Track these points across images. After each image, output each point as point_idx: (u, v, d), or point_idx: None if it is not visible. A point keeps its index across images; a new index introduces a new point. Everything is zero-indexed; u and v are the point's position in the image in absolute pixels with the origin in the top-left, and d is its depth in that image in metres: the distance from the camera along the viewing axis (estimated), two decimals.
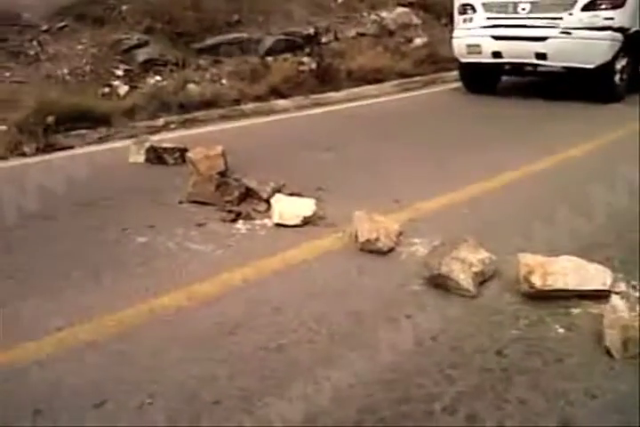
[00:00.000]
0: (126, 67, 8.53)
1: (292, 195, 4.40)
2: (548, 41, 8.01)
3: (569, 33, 7.87)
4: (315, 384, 2.48)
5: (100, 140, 6.63)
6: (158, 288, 3.25)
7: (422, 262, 3.36)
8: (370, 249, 3.62)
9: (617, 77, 8.23)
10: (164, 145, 5.64)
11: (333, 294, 3.18)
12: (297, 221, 4.05)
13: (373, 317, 2.97)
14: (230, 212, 4.30)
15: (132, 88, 8.04)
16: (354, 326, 2.89)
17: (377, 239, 3.62)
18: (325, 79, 9.15)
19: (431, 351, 2.70)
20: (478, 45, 8.52)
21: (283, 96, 8.61)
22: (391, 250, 3.67)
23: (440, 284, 3.17)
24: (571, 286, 3.00)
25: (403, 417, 2.31)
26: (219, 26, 10.06)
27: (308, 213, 4.08)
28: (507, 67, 8.87)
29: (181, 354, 2.69)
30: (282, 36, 10.21)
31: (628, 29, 8.01)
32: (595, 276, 3.04)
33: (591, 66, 7.95)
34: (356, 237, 3.69)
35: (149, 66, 8.70)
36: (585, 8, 7.87)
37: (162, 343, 2.77)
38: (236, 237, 3.94)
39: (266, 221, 4.18)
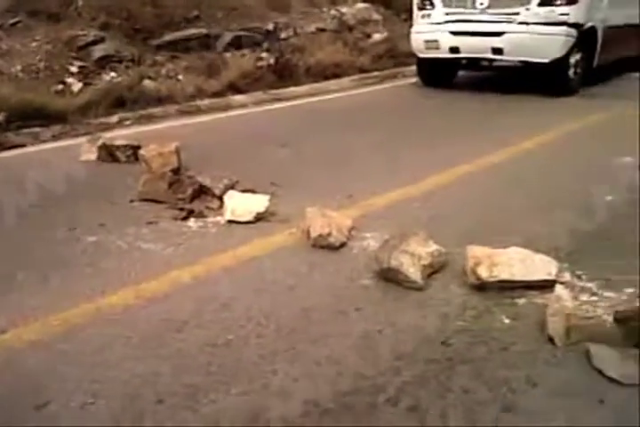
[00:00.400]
0: (81, 63, 8.40)
1: (245, 191, 4.38)
2: (505, 36, 8.11)
3: (527, 24, 7.97)
4: (261, 379, 2.48)
5: (54, 137, 6.52)
6: (106, 287, 3.22)
7: (373, 257, 3.37)
8: (322, 244, 3.62)
9: (571, 71, 8.37)
10: (117, 142, 5.56)
11: (283, 290, 3.18)
12: (249, 217, 4.03)
13: (322, 311, 2.97)
14: (182, 209, 4.26)
15: (87, 85, 7.92)
16: (302, 320, 2.89)
17: (329, 234, 3.62)
18: (284, 74, 9.13)
19: (378, 343, 2.71)
20: (436, 41, 8.59)
21: (241, 92, 8.58)
22: (343, 245, 3.67)
23: (390, 277, 3.19)
24: (517, 277, 3.04)
25: (346, 409, 2.32)
26: (177, 22, 9.96)
27: (261, 209, 4.07)
28: (464, 61, 8.97)
29: (126, 352, 2.67)
30: (241, 32, 10.16)
31: (582, 25, 8.14)
32: (540, 266, 3.09)
33: (546, 60, 8.08)
34: (309, 232, 3.69)
35: (105, 62, 8.58)
36: (541, 3, 7.99)
37: (107, 342, 2.74)
38: (188, 235, 3.91)
39: (218, 218, 4.15)
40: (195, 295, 3.13)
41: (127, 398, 2.37)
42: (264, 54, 9.61)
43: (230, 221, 4.05)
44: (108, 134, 6.25)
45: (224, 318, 2.92)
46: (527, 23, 8.02)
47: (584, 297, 3.04)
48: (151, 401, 2.36)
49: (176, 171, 4.65)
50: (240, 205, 4.09)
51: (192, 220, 4.13)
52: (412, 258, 3.15)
